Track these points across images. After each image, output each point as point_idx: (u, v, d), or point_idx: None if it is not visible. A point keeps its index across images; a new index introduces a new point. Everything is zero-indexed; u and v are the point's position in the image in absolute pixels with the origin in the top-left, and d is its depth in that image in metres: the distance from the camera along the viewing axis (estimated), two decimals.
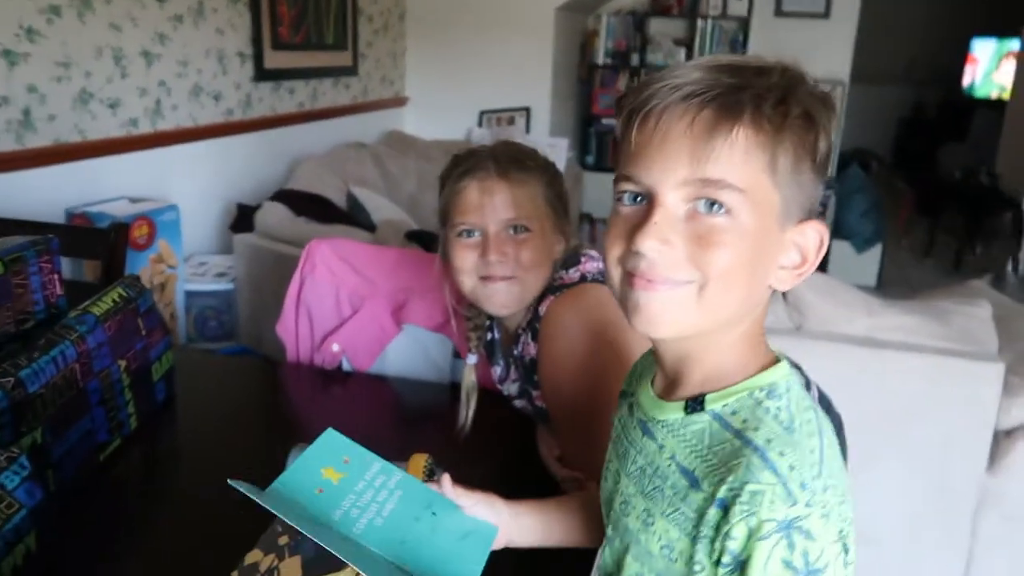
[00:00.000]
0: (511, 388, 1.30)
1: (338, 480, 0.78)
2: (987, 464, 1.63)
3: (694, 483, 0.61)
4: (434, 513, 0.79)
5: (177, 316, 2.53)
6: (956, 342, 1.65)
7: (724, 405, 0.62)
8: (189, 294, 2.58)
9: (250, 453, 1.24)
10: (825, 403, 1.24)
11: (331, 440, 0.82)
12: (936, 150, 6.83)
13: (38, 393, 1.00)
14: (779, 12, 4.79)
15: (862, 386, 1.67)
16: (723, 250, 0.59)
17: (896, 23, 7.31)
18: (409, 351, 1.54)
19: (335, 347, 1.53)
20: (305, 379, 1.56)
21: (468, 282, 1.17)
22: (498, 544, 0.82)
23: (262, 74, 3.31)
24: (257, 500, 0.68)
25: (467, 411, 1.26)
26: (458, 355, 1.51)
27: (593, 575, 0.83)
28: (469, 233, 1.15)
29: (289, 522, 0.67)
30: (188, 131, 2.91)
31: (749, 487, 0.56)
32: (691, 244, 0.59)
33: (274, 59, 3.37)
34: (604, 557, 0.73)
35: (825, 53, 4.76)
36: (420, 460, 0.96)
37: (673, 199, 0.59)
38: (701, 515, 0.59)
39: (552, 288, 1.15)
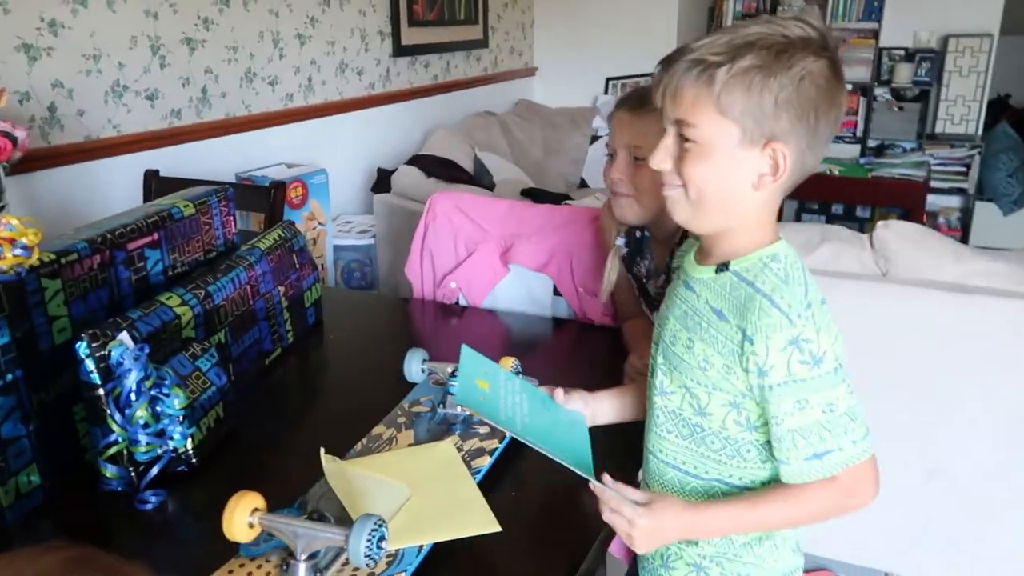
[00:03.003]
0: (653, 290, 1.49)
1: (488, 388, 1.00)
2: None
3: (721, 316, 0.89)
4: (547, 410, 1.03)
5: (327, 267, 2.89)
6: None
7: (742, 267, 0.89)
8: (336, 248, 2.93)
9: (383, 365, 1.51)
10: None
11: (469, 356, 1.02)
12: None
13: (221, 304, 1.30)
14: None
15: (949, 331, 1.74)
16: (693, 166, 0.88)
17: None
18: (515, 289, 1.77)
19: (453, 284, 1.78)
20: (429, 311, 1.82)
21: (609, 190, 1.42)
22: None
23: (400, 50, 3.62)
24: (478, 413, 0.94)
25: (608, 281, 1.50)
26: (557, 292, 1.72)
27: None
28: (609, 153, 1.40)
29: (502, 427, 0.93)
30: (335, 104, 3.25)
31: (764, 321, 0.84)
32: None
33: (410, 36, 3.67)
34: (654, 380, 1.00)
35: (972, 4, 4.54)
36: (508, 362, 1.18)
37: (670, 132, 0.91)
38: (728, 339, 0.88)
39: None
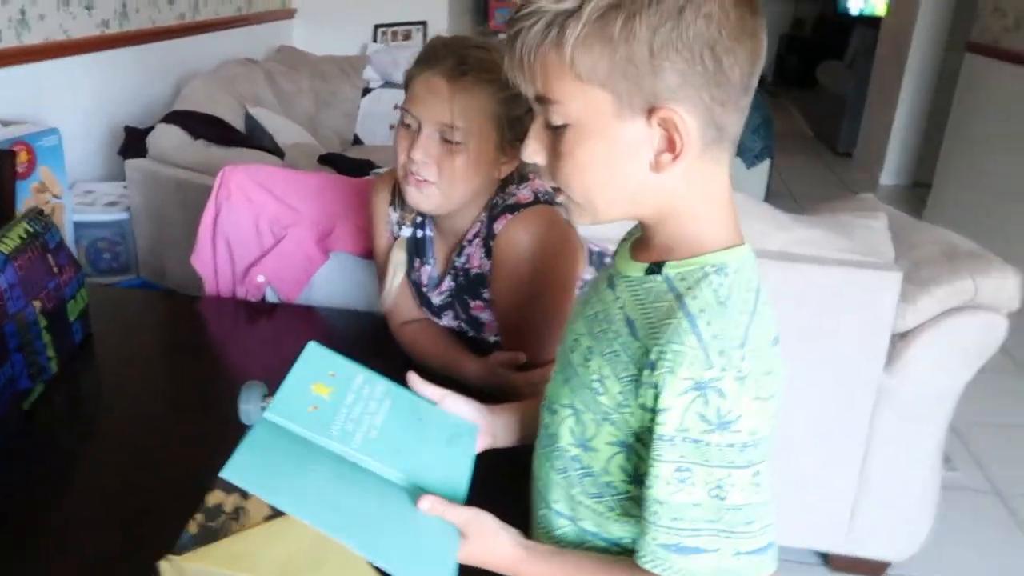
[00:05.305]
0: (438, 299, 1.27)
1: (328, 395, 0.78)
2: (884, 365, 1.76)
3: (632, 331, 0.69)
4: (420, 419, 0.82)
5: None
6: (859, 254, 1.75)
7: (677, 271, 0.68)
8: (79, 226, 2.40)
9: (178, 391, 1.20)
10: None
11: (314, 354, 0.82)
12: (815, 67, 7.06)
13: None
14: None
15: (778, 299, 1.75)
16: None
17: None
18: (338, 279, 1.50)
19: (260, 278, 1.48)
20: (228, 312, 1.50)
21: (400, 169, 1.12)
22: (482, 445, 0.85)
23: None
24: (250, 489, 0.70)
25: (391, 285, 1.25)
26: None
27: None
28: (405, 122, 1.11)
29: (274, 504, 0.69)
30: (60, 45, 2.64)
31: (673, 347, 0.63)
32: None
33: None
34: (548, 389, 0.80)
35: None
36: None
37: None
38: (632, 360, 0.67)
39: (508, 206, 1.13)
